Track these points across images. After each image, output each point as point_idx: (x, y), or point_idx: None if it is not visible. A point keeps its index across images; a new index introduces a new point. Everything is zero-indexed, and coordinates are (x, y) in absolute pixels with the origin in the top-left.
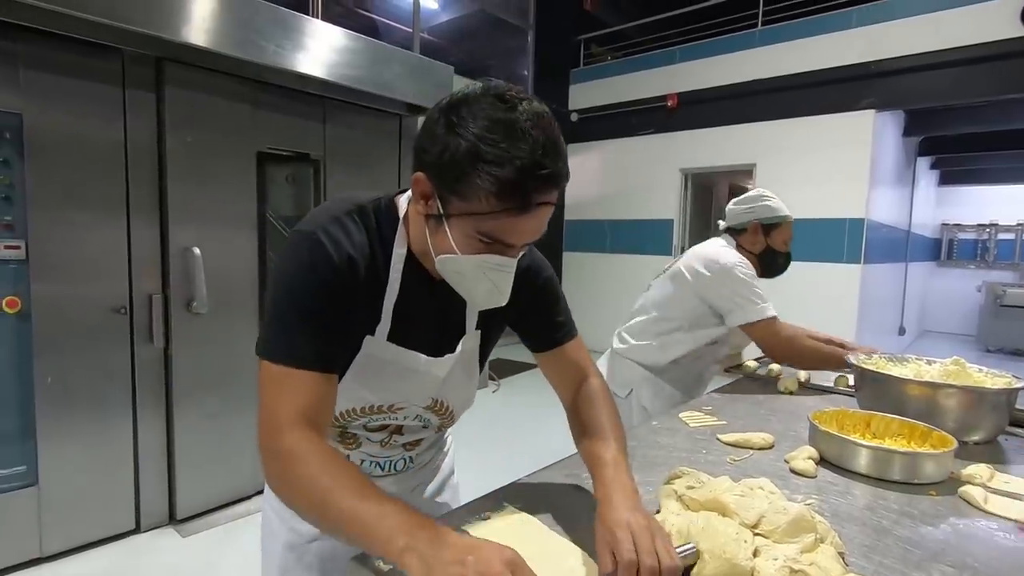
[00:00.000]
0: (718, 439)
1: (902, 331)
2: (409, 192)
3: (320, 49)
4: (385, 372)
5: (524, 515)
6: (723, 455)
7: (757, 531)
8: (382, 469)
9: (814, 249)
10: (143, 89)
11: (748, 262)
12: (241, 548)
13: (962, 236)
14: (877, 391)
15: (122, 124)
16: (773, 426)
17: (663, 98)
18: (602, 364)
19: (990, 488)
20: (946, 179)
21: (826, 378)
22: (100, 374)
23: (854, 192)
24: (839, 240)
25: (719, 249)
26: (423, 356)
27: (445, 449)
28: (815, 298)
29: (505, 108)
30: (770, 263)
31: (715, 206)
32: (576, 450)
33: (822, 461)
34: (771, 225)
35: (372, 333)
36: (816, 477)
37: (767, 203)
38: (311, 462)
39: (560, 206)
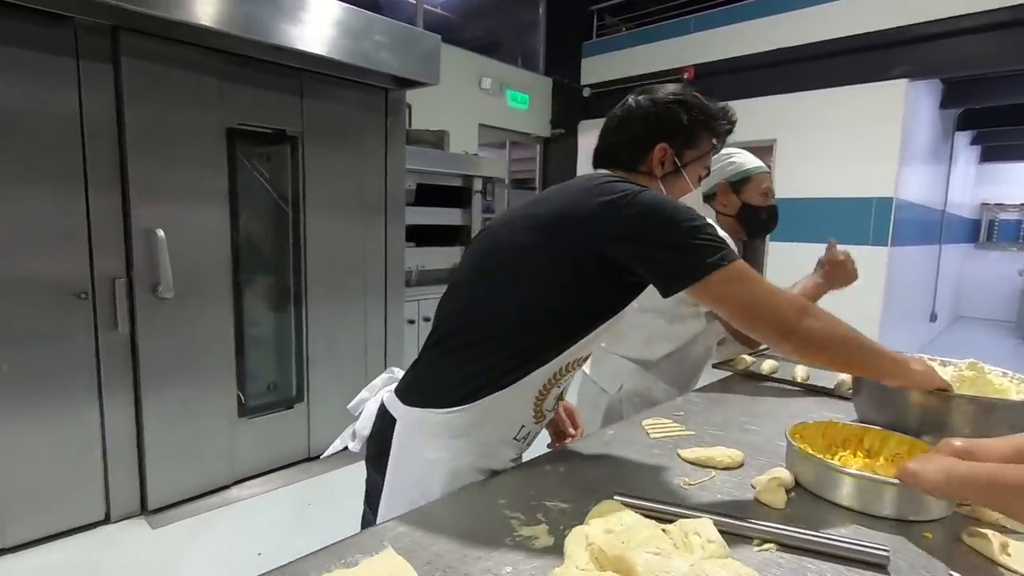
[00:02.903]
0: (678, 455)
1: (934, 317)
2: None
3: (294, 18)
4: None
5: (399, 561)
6: (680, 475)
7: None
8: (526, 441)
9: (838, 230)
10: (98, 60)
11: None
12: (212, 540)
13: (1004, 216)
14: (876, 399)
15: (77, 98)
16: (750, 438)
17: (678, 71)
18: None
19: (1009, 531)
20: (987, 155)
21: (829, 378)
22: (62, 361)
23: (883, 169)
24: (865, 221)
25: None
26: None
27: None
28: None
29: (697, 96)
30: (750, 219)
31: None
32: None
33: (797, 487)
34: (739, 182)
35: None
36: (784, 509)
37: (731, 160)
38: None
39: None
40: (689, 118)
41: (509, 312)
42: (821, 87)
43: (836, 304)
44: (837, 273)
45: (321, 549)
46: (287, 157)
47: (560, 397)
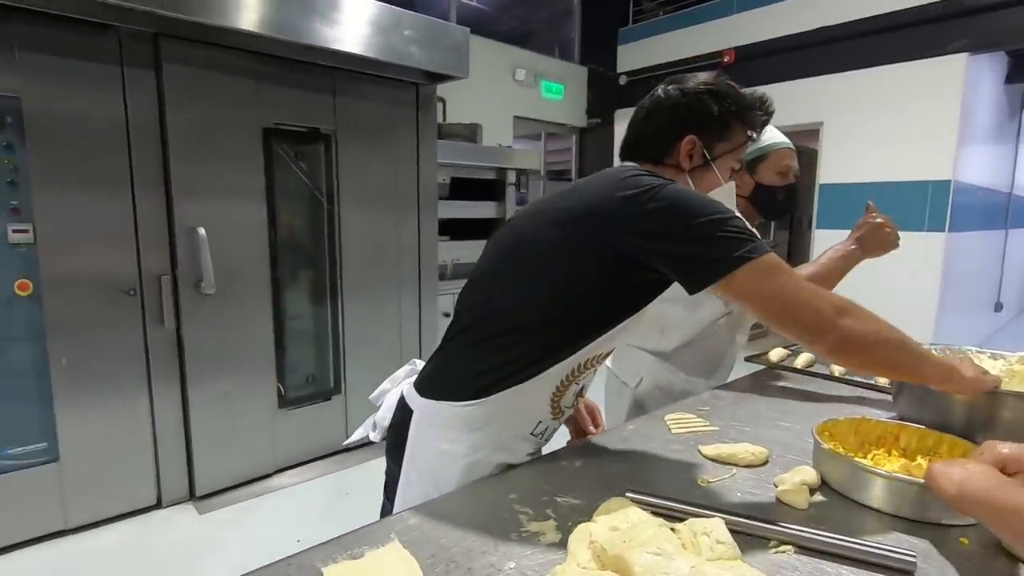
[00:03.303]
0: (699, 451)
1: (999, 307)
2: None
3: (326, 17)
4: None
5: (404, 554)
6: (700, 472)
7: None
8: (544, 436)
9: (889, 216)
10: (141, 67)
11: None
12: (255, 526)
13: None
14: (917, 396)
15: (122, 103)
16: (778, 435)
17: (718, 54)
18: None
19: None
20: None
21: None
22: (114, 355)
23: (939, 151)
24: (920, 206)
25: None
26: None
27: None
28: (890, 272)
29: (731, 86)
30: (765, 201)
31: None
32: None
33: (824, 487)
34: (755, 160)
35: None
36: (807, 511)
37: None
38: (874, 316)
39: None
40: (720, 109)
41: (530, 306)
42: (871, 65)
43: (890, 293)
44: (874, 239)
45: (329, 540)
46: (321, 154)
47: (580, 394)
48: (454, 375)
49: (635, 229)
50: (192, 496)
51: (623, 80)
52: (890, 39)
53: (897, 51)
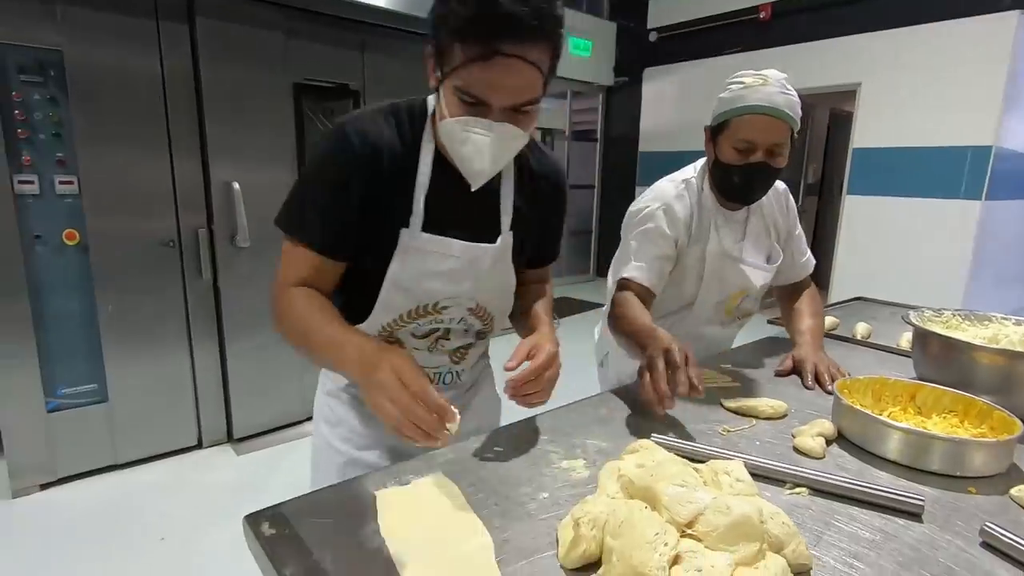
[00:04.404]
0: (721, 404)
1: None
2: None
3: None
4: (424, 265)
5: (446, 482)
6: (720, 423)
7: (690, 531)
8: (429, 380)
9: (924, 183)
10: (175, 20)
11: (667, 198)
12: (290, 466)
13: None
14: (937, 358)
15: (158, 57)
16: (797, 392)
17: (755, 10)
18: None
19: None
20: None
21: (891, 336)
22: (156, 304)
23: (982, 115)
24: (957, 172)
25: (657, 183)
26: (459, 242)
27: (493, 388)
28: (921, 237)
29: None
30: (718, 180)
31: (811, 135)
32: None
33: (841, 439)
34: (718, 127)
35: (407, 225)
36: (823, 459)
37: (720, 97)
38: (300, 303)
39: (632, 137)
40: (441, 14)
41: None
42: (915, 23)
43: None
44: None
45: (380, 469)
46: (349, 111)
47: (445, 336)
48: None
49: None
50: (230, 438)
51: (653, 36)
52: None
53: (943, 8)
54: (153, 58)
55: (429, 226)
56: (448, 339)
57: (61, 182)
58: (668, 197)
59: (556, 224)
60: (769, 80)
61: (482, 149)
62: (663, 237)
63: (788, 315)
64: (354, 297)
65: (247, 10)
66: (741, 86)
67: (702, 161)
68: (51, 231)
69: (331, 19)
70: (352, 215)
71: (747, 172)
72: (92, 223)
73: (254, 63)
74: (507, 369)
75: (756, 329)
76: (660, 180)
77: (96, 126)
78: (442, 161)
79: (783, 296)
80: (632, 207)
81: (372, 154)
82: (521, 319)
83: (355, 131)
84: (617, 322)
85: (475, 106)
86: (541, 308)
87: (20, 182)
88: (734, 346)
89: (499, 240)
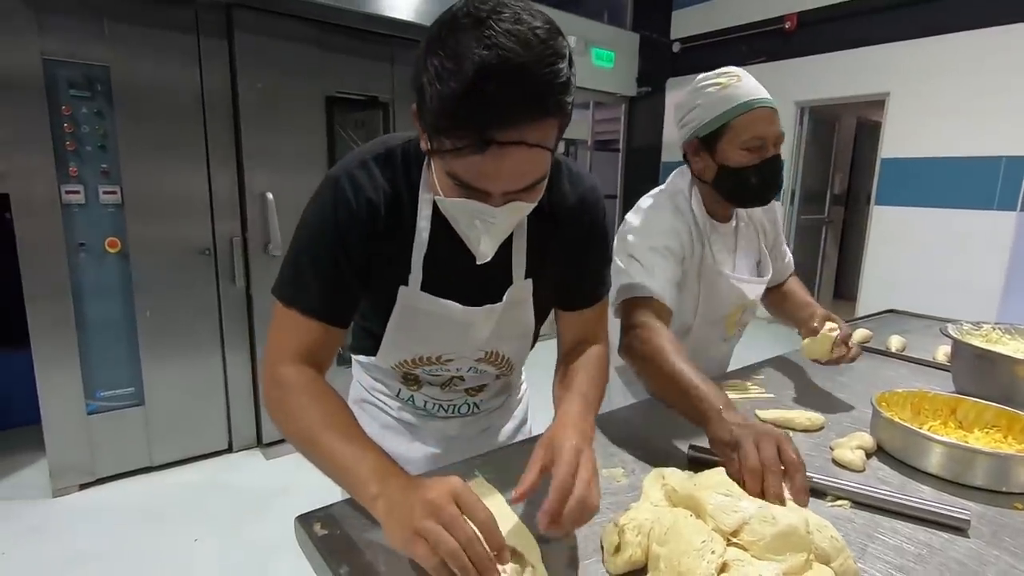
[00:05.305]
0: (756, 416)
1: None
2: None
3: None
4: (424, 323)
5: (489, 488)
6: None
7: (736, 540)
8: (445, 411)
9: (956, 193)
10: (215, 37)
11: (660, 214)
12: (318, 472)
13: None
14: (978, 371)
15: (198, 72)
16: (833, 404)
17: (780, 19)
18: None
19: None
20: None
21: (925, 349)
22: (191, 310)
23: (1015, 124)
24: (991, 183)
25: (644, 199)
26: (459, 306)
27: (518, 396)
28: (953, 250)
29: (471, 22)
30: (734, 188)
31: (837, 145)
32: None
33: (880, 452)
34: (712, 135)
35: (406, 283)
36: (863, 472)
37: (699, 104)
38: (304, 394)
39: (655, 147)
40: (420, 81)
41: None
42: (944, 32)
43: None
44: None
45: (420, 474)
46: (379, 122)
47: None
48: None
49: None
50: (259, 443)
51: (677, 47)
52: (966, 3)
53: (973, 16)
54: (193, 73)
55: (428, 286)
56: (463, 380)
57: (105, 192)
58: (666, 213)
59: (596, 258)
60: (740, 75)
61: (488, 230)
62: (672, 254)
63: (779, 304)
64: (362, 338)
65: (283, 25)
66: (719, 87)
67: (679, 178)
68: (94, 239)
69: (362, 33)
70: (352, 278)
71: (763, 170)
72: (133, 231)
73: (289, 77)
74: (513, 502)
75: (756, 330)
76: (645, 197)
77: (139, 138)
78: (442, 216)
79: (769, 293)
80: (630, 223)
81: (368, 208)
82: (555, 393)
83: (351, 185)
84: (648, 364)
85: (472, 190)
86: (575, 381)
87: (67, 192)
88: (754, 361)
89: (506, 296)
